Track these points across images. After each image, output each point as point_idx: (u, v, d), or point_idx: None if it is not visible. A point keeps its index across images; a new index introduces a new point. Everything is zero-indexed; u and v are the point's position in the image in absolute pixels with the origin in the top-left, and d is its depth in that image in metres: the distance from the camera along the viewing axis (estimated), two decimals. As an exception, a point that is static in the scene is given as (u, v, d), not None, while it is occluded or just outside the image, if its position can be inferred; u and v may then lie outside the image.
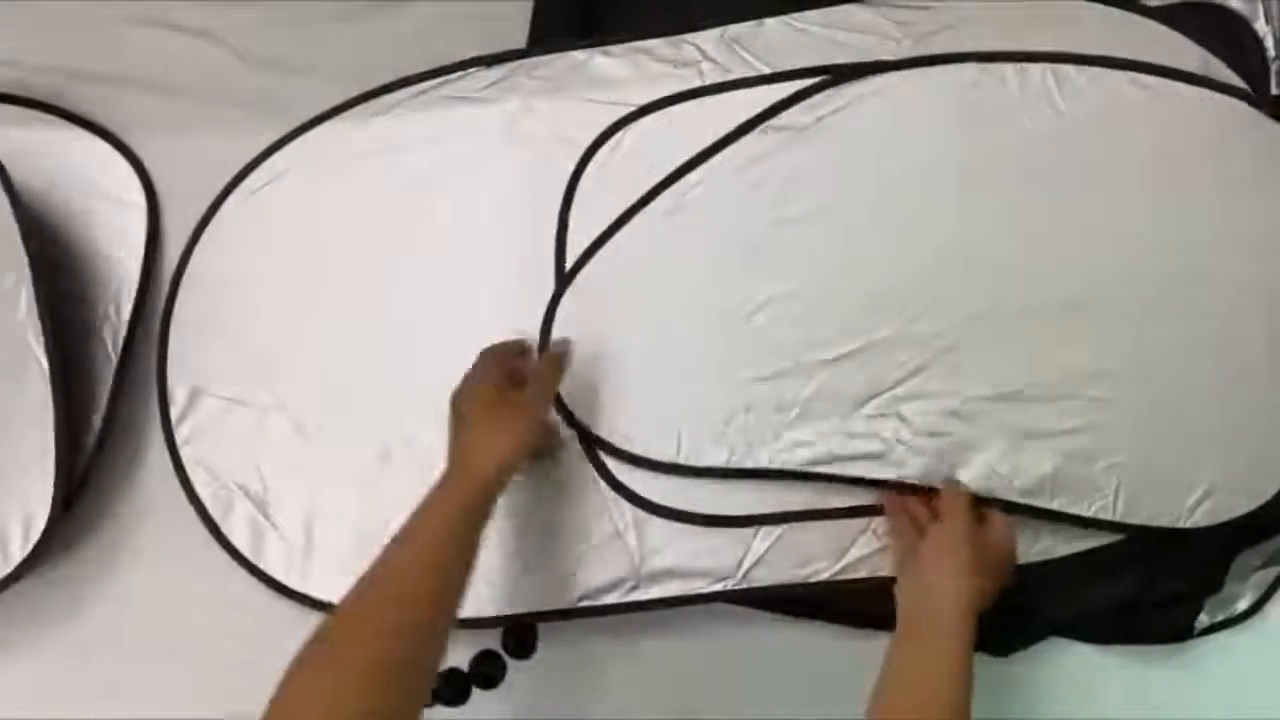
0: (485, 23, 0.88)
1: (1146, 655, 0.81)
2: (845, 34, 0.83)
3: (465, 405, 0.73)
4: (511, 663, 0.83)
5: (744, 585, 0.79)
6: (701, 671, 0.82)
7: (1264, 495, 0.77)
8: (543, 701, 0.82)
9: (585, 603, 0.80)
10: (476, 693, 0.83)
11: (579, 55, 0.84)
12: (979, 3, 0.82)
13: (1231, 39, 0.82)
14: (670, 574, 0.79)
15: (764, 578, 0.79)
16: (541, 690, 0.83)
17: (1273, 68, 0.82)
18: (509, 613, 0.80)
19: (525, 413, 0.72)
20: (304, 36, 0.89)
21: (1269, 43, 0.83)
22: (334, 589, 0.77)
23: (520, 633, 0.83)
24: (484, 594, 0.80)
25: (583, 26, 0.87)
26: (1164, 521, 0.76)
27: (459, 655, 0.83)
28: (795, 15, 0.84)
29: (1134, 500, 0.76)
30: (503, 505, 0.72)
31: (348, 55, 0.88)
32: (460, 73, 0.85)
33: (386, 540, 0.66)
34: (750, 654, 0.82)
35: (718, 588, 0.79)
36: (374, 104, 0.85)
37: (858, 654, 0.80)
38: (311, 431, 0.82)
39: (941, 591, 0.70)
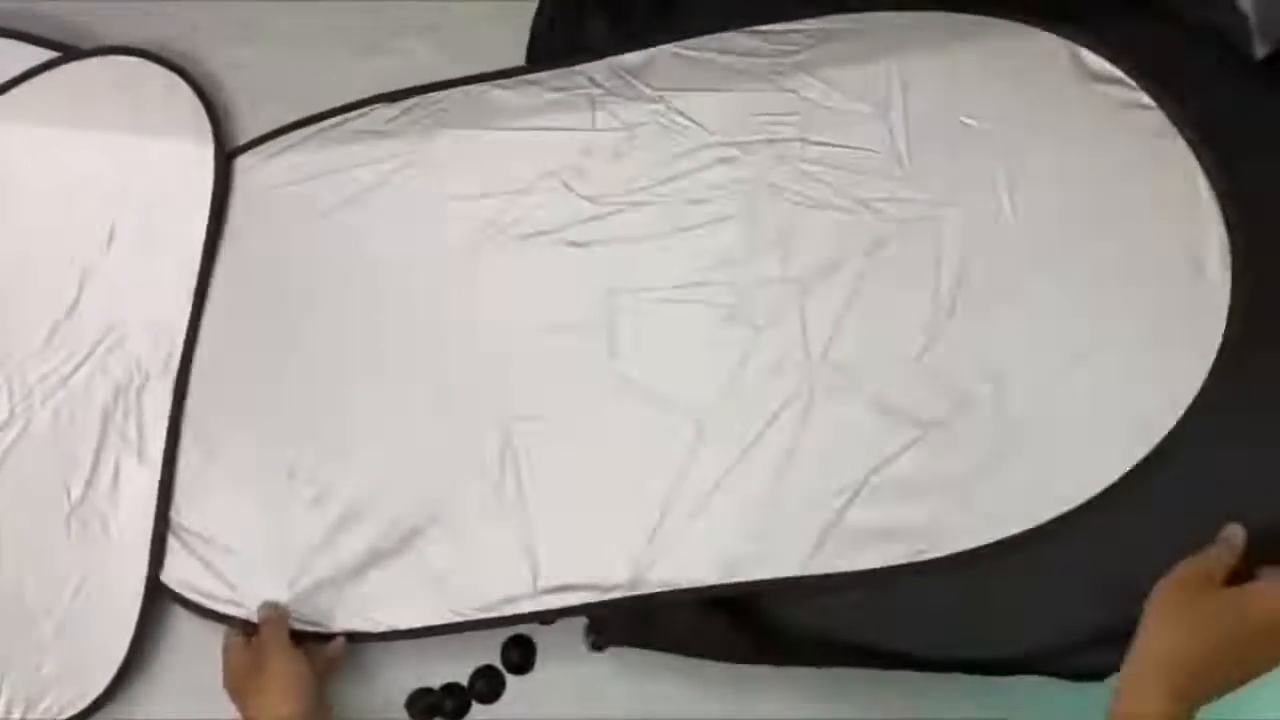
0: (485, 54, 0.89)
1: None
2: (731, 58, 0.85)
3: None
4: (510, 678, 0.85)
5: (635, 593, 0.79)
6: (699, 689, 0.82)
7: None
8: (541, 717, 0.84)
9: (489, 614, 0.81)
10: (475, 707, 0.85)
11: (476, 88, 0.88)
12: (852, 23, 0.83)
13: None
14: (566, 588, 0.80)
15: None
16: (540, 706, 0.84)
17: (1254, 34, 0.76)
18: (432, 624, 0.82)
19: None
20: (307, 73, 0.92)
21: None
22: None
23: (519, 648, 0.85)
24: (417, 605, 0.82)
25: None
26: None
27: (458, 670, 0.85)
28: (686, 42, 0.86)
29: None
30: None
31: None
32: (365, 109, 0.89)
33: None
34: (745, 671, 0.81)
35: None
36: (286, 138, 0.90)
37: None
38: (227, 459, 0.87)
39: None
